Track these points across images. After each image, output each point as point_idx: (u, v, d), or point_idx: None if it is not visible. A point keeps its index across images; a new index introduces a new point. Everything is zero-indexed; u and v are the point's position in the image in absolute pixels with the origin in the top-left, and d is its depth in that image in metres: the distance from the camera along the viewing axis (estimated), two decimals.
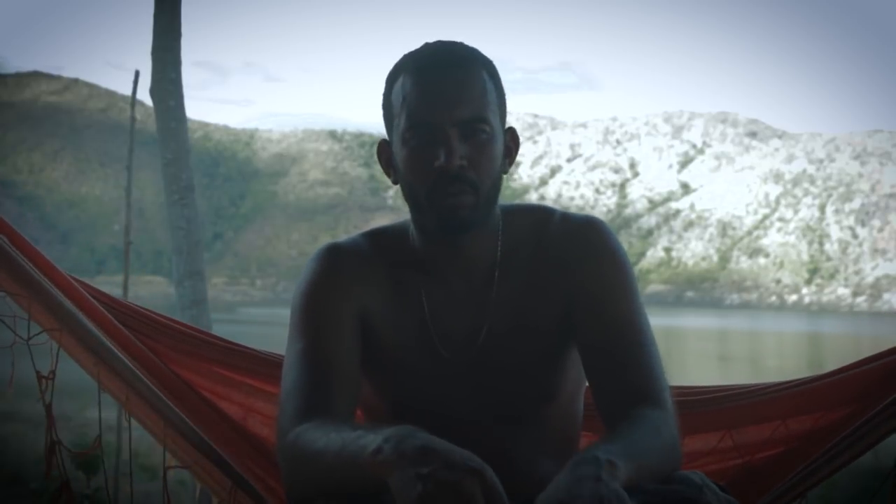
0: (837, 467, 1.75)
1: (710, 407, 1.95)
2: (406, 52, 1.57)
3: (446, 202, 1.49)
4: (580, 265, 1.57)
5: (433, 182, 1.48)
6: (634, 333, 1.53)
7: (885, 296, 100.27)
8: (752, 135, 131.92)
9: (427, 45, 1.55)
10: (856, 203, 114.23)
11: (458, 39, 1.56)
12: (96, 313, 1.90)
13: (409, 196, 1.54)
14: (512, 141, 1.59)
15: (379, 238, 1.66)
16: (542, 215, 1.63)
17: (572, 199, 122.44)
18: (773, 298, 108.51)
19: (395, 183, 1.58)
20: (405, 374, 1.60)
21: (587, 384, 1.67)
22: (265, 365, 2.00)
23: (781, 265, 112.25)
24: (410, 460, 1.18)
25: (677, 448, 1.44)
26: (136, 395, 1.84)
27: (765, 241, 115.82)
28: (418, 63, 1.52)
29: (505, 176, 1.60)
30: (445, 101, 1.48)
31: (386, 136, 1.60)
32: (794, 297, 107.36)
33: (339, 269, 1.61)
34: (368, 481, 1.24)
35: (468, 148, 1.49)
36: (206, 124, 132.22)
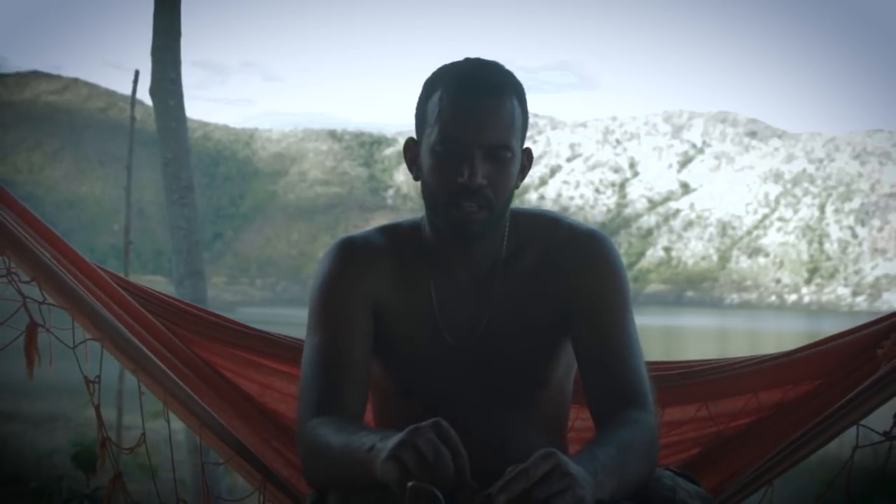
0: (798, 459, 1.87)
1: (689, 380, 2.15)
2: (444, 63, 1.71)
3: (461, 214, 1.64)
4: (580, 273, 1.72)
5: (453, 193, 1.64)
6: (624, 342, 1.69)
7: (885, 295, 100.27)
8: (752, 134, 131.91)
9: (467, 62, 1.69)
10: (855, 203, 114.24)
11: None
12: (128, 306, 2.05)
13: (428, 199, 1.69)
14: (527, 160, 1.73)
15: (391, 232, 1.80)
16: (549, 222, 1.78)
17: (572, 198, 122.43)
18: (773, 298, 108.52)
19: (415, 179, 1.73)
20: (413, 358, 1.76)
21: (576, 368, 1.83)
22: (279, 347, 2.18)
23: (781, 265, 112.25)
24: (389, 451, 1.36)
25: (657, 446, 1.62)
26: (174, 398, 1.97)
27: (764, 241, 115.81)
28: (457, 82, 1.65)
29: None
30: (476, 125, 1.62)
31: (414, 136, 1.74)
32: (793, 297, 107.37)
33: (352, 264, 1.75)
34: (368, 476, 1.41)
35: (489, 168, 1.63)
36: (206, 124, 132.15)
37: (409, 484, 1.29)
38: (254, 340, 2.17)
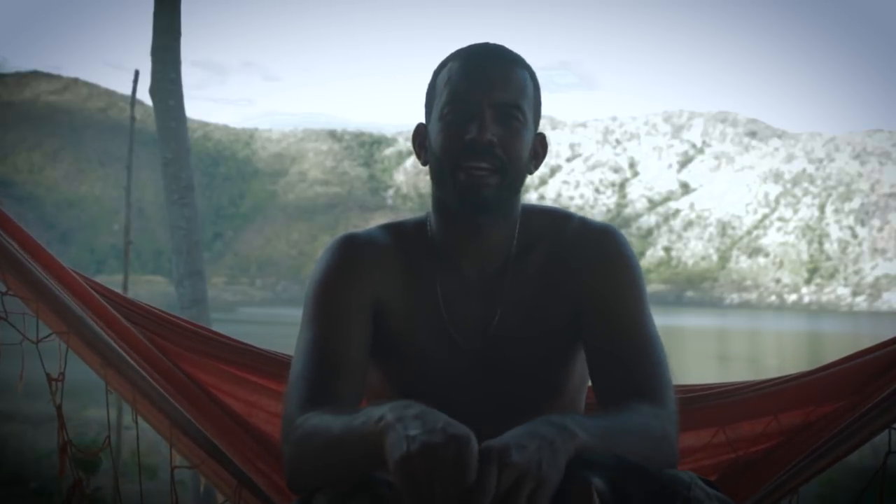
0: (827, 464, 1.76)
1: (704, 403, 2.00)
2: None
3: (471, 178, 1.55)
4: (592, 269, 1.62)
5: (461, 153, 1.55)
6: (641, 336, 1.58)
7: (885, 295, 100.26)
8: (752, 134, 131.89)
9: (478, 43, 1.65)
10: (855, 203, 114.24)
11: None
12: (104, 312, 1.93)
13: (436, 171, 1.61)
14: (540, 145, 1.67)
15: (395, 229, 1.71)
16: (560, 218, 1.70)
17: (572, 198, 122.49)
18: (773, 298, 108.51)
19: (424, 164, 1.66)
20: (417, 360, 1.65)
21: (590, 384, 1.71)
22: (269, 363, 2.05)
23: (781, 265, 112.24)
24: (404, 423, 1.22)
25: (669, 444, 1.46)
26: (143, 397, 1.87)
27: (764, 241, 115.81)
28: (467, 51, 1.62)
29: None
30: (486, 83, 1.57)
31: (423, 122, 1.68)
32: (793, 297, 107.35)
33: (352, 260, 1.65)
34: (368, 454, 1.27)
35: (500, 129, 1.56)
36: (206, 124, 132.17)
37: None
38: (242, 355, 2.06)
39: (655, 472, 1.35)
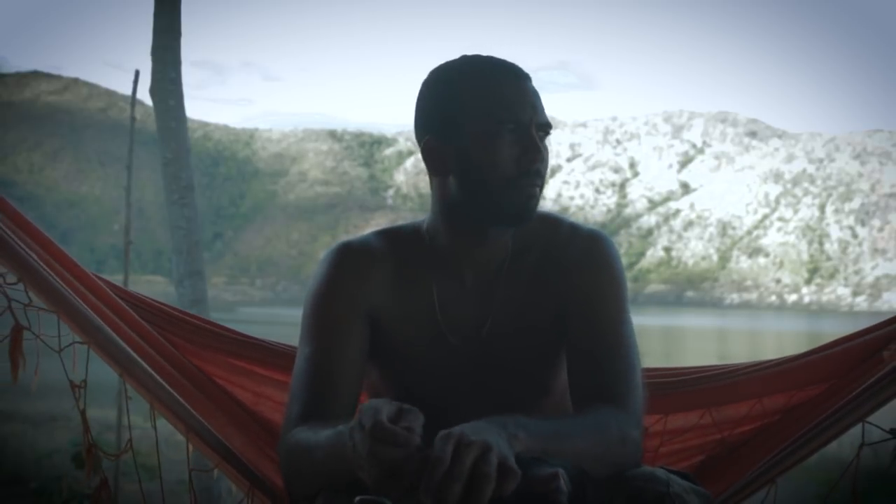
0: (803, 456, 1.81)
1: (691, 387, 2.09)
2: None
3: (526, 192, 1.61)
4: (578, 272, 1.68)
5: (519, 174, 1.60)
6: (615, 339, 1.63)
7: (885, 295, 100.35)
8: (752, 134, 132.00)
9: (479, 55, 1.67)
10: (855, 203, 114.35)
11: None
12: (122, 312, 2.00)
13: (478, 186, 1.62)
14: None
15: (391, 235, 1.75)
16: (552, 222, 1.75)
17: (572, 198, 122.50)
18: (773, 298, 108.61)
19: (438, 175, 1.67)
20: (414, 362, 1.70)
21: None
22: (273, 355, 2.13)
23: (781, 265, 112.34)
24: (362, 450, 1.29)
25: (629, 445, 1.51)
26: (161, 403, 1.92)
27: (764, 241, 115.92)
28: (494, 68, 1.64)
29: None
30: (532, 105, 1.62)
31: (420, 136, 1.68)
32: (793, 297, 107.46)
33: (346, 270, 1.69)
34: (346, 468, 1.34)
35: (542, 147, 1.63)
36: (206, 124, 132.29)
37: (358, 498, 1.28)
38: (248, 348, 2.13)
39: (623, 474, 1.41)
